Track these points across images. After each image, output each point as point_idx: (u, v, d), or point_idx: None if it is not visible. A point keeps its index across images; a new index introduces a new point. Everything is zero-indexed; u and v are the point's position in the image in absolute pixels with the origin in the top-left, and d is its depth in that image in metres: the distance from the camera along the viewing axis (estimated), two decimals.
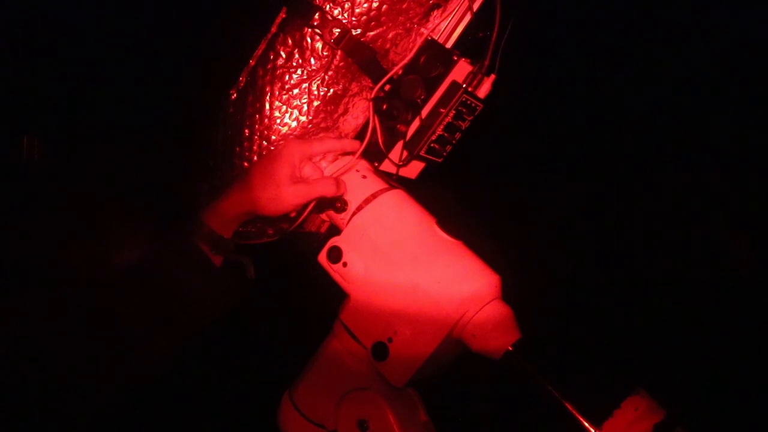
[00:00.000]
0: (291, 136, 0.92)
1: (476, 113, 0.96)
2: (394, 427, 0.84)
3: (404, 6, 0.88)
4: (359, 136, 0.97)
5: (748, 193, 2.20)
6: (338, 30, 0.86)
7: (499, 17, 0.89)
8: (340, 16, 0.87)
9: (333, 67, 0.89)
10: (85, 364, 0.78)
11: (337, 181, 0.89)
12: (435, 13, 0.93)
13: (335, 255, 0.90)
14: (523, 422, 1.59)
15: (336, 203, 0.93)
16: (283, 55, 0.89)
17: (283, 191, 0.85)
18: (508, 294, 0.85)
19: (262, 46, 0.91)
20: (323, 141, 0.90)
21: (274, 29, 0.90)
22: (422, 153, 0.94)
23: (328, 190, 0.87)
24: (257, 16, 0.93)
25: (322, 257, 0.91)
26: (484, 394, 1.83)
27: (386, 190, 0.94)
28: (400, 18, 0.89)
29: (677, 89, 2.13)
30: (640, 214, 2.30)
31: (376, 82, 0.91)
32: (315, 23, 0.87)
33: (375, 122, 0.94)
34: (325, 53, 0.88)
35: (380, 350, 0.83)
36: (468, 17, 0.96)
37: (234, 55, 0.94)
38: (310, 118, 0.91)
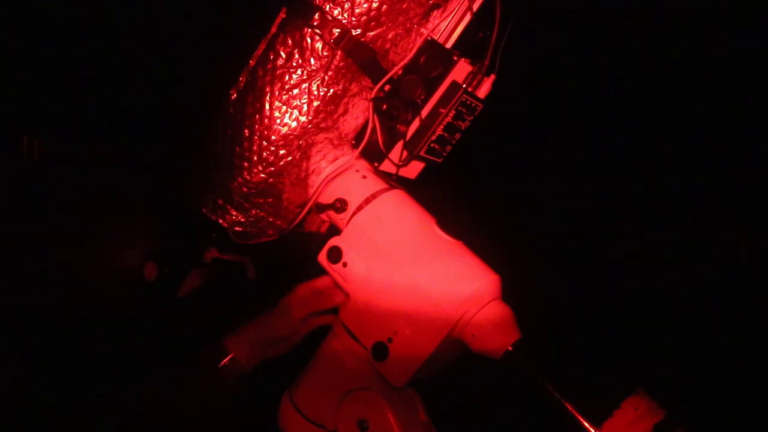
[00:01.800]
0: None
1: (476, 113, 0.96)
2: (394, 427, 0.84)
3: (404, 6, 0.88)
4: (359, 136, 0.97)
5: (749, 193, 2.20)
6: (338, 30, 0.86)
7: (499, 17, 0.89)
8: (340, 16, 0.87)
9: (333, 67, 0.89)
10: None
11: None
12: (435, 13, 0.93)
13: (335, 255, 0.90)
14: (523, 422, 1.59)
15: (336, 203, 0.93)
16: (283, 55, 0.89)
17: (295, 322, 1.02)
18: (508, 294, 0.85)
19: (262, 46, 0.91)
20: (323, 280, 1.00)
21: (274, 29, 0.90)
22: (422, 153, 0.94)
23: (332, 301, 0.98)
24: (257, 16, 0.93)
25: (322, 257, 0.91)
26: (484, 394, 1.83)
27: (386, 190, 0.94)
28: (400, 18, 0.89)
29: (678, 89, 2.13)
30: (640, 213, 2.29)
31: (376, 82, 0.91)
32: (315, 23, 0.87)
33: (375, 122, 0.94)
34: (325, 53, 0.88)
35: (380, 350, 0.83)
36: (468, 17, 0.96)
37: (234, 55, 0.94)
38: (310, 118, 0.91)
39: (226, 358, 0.98)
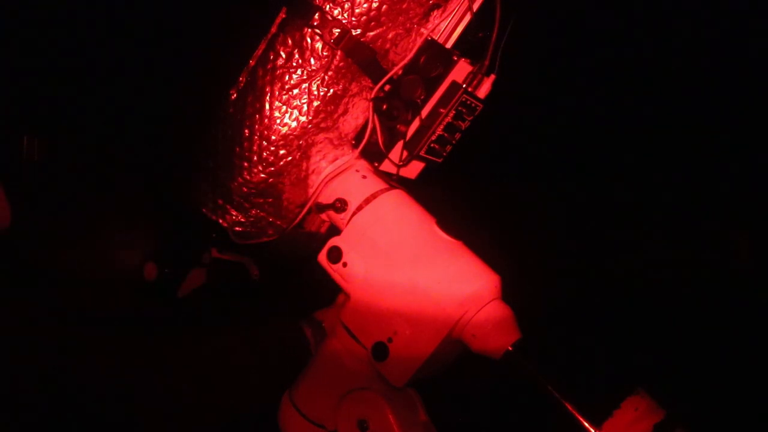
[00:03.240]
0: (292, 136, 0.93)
1: (476, 113, 0.96)
2: (394, 427, 0.84)
3: (404, 6, 0.88)
4: (359, 136, 0.97)
5: (749, 193, 2.20)
6: (338, 30, 0.86)
7: (499, 17, 0.89)
8: (340, 16, 0.87)
9: (333, 67, 0.89)
10: None
11: None
12: (435, 13, 0.93)
13: (335, 255, 0.90)
14: (523, 422, 1.59)
15: (336, 203, 0.93)
16: (283, 55, 0.89)
17: None
18: (508, 294, 0.85)
19: (262, 46, 0.91)
20: None
21: (274, 29, 0.90)
22: (422, 153, 0.94)
23: None
24: (257, 16, 0.93)
25: (322, 257, 0.91)
26: (484, 394, 1.82)
27: (386, 190, 0.94)
28: (400, 18, 0.89)
29: (679, 88, 2.13)
30: (640, 214, 2.29)
31: (376, 82, 0.91)
32: (315, 23, 0.87)
33: (375, 122, 0.94)
34: (325, 53, 0.88)
35: (380, 350, 0.83)
36: (468, 17, 0.96)
37: (234, 55, 0.94)
38: (310, 118, 0.91)
39: (314, 321, 1.16)
